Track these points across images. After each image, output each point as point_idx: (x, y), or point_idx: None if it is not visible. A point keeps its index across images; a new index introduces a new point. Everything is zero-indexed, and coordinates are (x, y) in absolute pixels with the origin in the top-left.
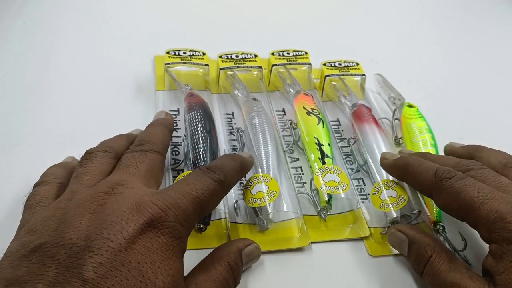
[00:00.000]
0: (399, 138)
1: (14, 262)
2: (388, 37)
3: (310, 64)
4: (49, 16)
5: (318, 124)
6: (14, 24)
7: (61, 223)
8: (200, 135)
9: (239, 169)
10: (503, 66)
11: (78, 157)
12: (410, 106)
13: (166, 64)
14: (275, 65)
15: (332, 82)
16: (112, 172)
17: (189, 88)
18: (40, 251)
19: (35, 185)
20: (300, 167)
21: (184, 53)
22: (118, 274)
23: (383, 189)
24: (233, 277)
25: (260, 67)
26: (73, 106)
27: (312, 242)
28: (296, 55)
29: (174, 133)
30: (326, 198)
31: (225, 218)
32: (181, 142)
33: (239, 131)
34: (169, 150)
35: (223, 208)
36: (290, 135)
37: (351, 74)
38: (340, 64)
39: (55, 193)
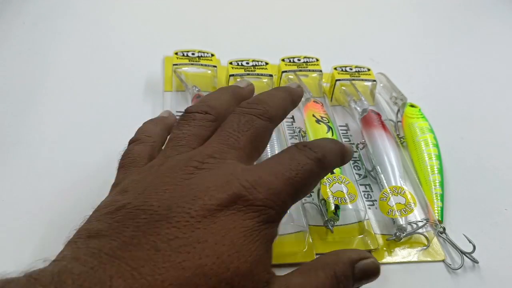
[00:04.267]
0: (401, 137)
1: (99, 217)
2: (389, 37)
3: (320, 71)
4: (49, 15)
5: (327, 132)
6: (14, 24)
7: (148, 187)
8: None
9: (339, 153)
10: (504, 66)
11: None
12: (412, 106)
13: (174, 65)
14: (285, 71)
15: (342, 87)
16: (211, 138)
17: (196, 89)
18: (123, 211)
19: (130, 142)
20: None
21: (193, 54)
22: (191, 250)
23: (391, 195)
24: None
25: (271, 75)
26: (77, 105)
27: (317, 254)
28: (307, 61)
29: None
30: (333, 209)
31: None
32: None
33: None
34: None
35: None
36: None
37: (362, 80)
38: (351, 69)
39: (149, 153)
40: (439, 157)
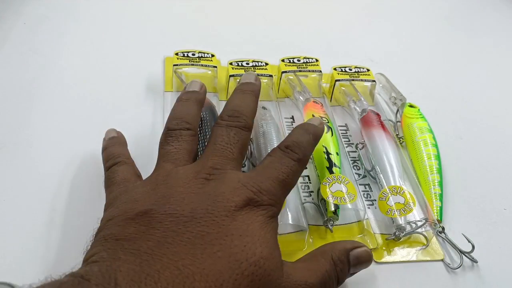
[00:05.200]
0: (400, 137)
1: (119, 223)
2: (388, 37)
3: (320, 71)
4: (50, 16)
5: (327, 132)
6: (15, 24)
7: (164, 197)
8: (206, 137)
9: (313, 142)
10: (504, 66)
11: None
12: (411, 106)
13: (174, 65)
14: (285, 72)
15: (342, 88)
16: (207, 151)
17: None
18: (147, 216)
19: (109, 167)
20: (308, 176)
21: (193, 54)
22: (223, 242)
23: (390, 195)
24: (336, 272)
25: (271, 76)
26: (77, 105)
27: None
28: (307, 62)
29: None
30: (333, 209)
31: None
32: None
33: None
34: None
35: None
36: None
37: (361, 80)
38: (350, 70)
39: (134, 171)
40: (438, 157)
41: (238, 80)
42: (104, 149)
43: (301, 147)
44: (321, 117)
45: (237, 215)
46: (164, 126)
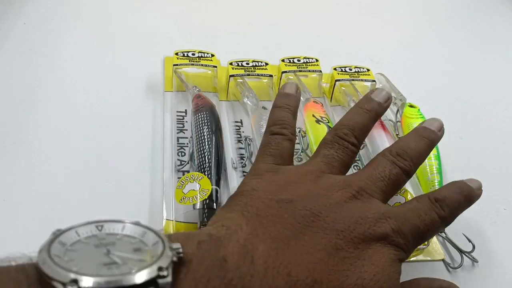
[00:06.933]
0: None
1: (264, 199)
2: (388, 37)
3: (320, 71)
4: (50, 16)
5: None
6: (15, 24)
7: (311, 194)
8: (206, 137)
9: (463, 204)
10: (503, 66)
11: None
12: (411, 106)
13: (174, 65)
14: (285, 72)
15: (342, 88)
16: (364, 173)
17: (197, 90)
18: (291, 205)
19: (274, 133)
20: None
21: (193, 54)
22: (353, 263)
23: None
24: None
25: (271, 76)
26: (77, 106)
27: None
28: (307, 62)
29: (181, 134)
30: None
31: None
32: (187, 144)
33: (247, 139)
34: (175, 151)
35: None
36: (298, 143)
37: (361, 80)
38: (350, 70)
39: (292, 152)
40: (438, 157)
41: (238, 80)
42: (276, 107)
43: (451, 206)
44: (321, 117)
45: (372, 245)
46: (334, 126)
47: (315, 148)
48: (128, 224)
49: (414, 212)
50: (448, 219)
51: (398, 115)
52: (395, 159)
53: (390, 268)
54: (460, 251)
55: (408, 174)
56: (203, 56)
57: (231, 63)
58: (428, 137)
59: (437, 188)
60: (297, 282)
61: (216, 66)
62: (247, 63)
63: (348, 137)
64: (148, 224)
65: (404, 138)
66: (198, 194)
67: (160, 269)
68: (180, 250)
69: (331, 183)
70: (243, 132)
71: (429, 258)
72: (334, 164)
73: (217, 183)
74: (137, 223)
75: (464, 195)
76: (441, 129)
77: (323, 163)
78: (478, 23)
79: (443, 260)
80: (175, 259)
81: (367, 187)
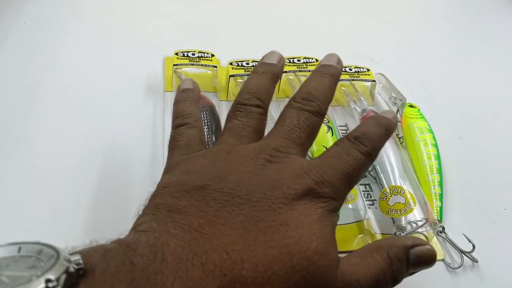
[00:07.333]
0: (400, 137)
1: (175, 194)
2: (388, 37)
3: None
4: (50, 16)
5: (327, 132)
6: (15, 24)
7: (222, 173)
8: (205, 137)
9: (384, 136)
10: (503, 66)
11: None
12: (411, 106)
13: (174, 65)
14: (285, 72)
15: (342, 87)
16: (274, 132)
17: None
18: (203, 191)
19: (178, 125)
20: None
21: (193, 54)
22: (276, 231)
23: (391, 195)
24: (391, 271)
25: None
26: (77, 105)
27: None
28: (307, 62)
29: None
30: None
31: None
32: None
33: None
34: None
35: None
36: None
37: (361, 80)
38: (350, 69)
39: (199, 137)
40: (438, 157)
41: (238, 80)
42: (176, 103)
43: (371, 140)
44: None
45: (295, 205)
46: (235, 98)
47: (315, 148)
48: (25, 245)
49: (335, 157)
50: (372, 153)
51: (398, 115)
52: (300, 105)
53: (319, 224)
54: (460, 251)
55: (319, 114)
56: (203, 56)
57: (231, 63)
58: (329, 73)
59: (437, 188)
60: (215, 268)
61: (216, 66)
62: (247, 63)
63: (249, 101)
64: None
65: (306, 81)
66: None
67: (48, 281)
68: (80, 261)
69: (242, 154)
70: None
71: None
72: (243, 133)
73: None
74: (36, 243)
75: (382, 126)
76: (339, 62)
77: (230, 137)
78: (478, 23)
79: (443, 260)
80: (71, 270)
81: (280, 145)
